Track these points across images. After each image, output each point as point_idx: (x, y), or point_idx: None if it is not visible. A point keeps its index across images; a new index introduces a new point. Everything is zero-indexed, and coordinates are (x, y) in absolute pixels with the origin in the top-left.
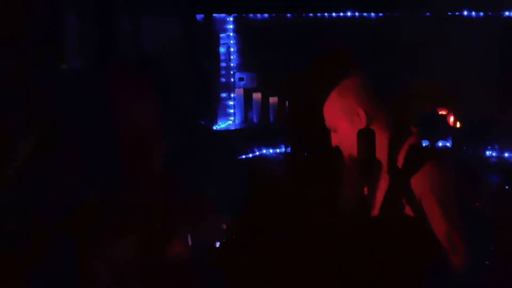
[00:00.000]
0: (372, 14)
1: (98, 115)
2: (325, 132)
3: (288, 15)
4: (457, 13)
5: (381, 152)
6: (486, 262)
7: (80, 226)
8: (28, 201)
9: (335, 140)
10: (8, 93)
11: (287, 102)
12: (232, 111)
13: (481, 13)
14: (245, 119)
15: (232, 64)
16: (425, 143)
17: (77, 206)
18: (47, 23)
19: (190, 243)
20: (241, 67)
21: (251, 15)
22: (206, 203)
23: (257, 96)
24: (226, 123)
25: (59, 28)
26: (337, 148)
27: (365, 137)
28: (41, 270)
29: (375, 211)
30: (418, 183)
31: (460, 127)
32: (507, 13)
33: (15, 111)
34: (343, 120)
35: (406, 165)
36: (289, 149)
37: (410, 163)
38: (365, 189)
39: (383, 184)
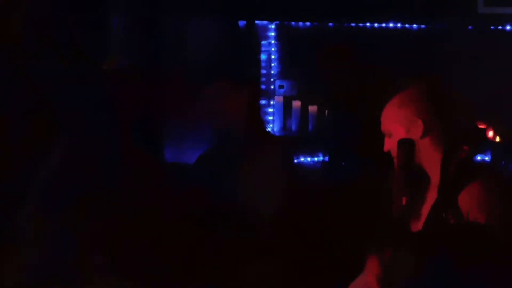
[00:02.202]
0: (414, 25)
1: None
2: (373, 140)
3: (330, 24)
4: (500, 27)
5: (433, 166)
6: None
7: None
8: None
9: (388, 145)
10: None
11: (327, 111)
12: (271, 118)
13: None
14: (284, 127)
15: (272, 72)
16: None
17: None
18: (89, 23)
19: None
20: (281, 74)
21: (293, 23)
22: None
23: (296, 104)
24: None
25: (103, 28)
26: (388, 153)
27: (405, 146)
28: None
29: (419, 225)
30: (466, 200)
31: (499, 141)
32: None
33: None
34: (400, 127)
35: (455, 181)
36: (327, 158)
37: (459, 179)
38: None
39: (430, 198)
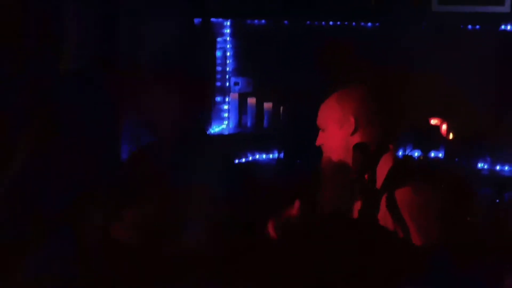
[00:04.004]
0: (369, 23)
1: (97, 114)
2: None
3: (285, 21)
4: (453, 25)
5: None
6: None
7: (80, 217)
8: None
9: (320, 139)
10: (9, 90)
11: (281, 108)
12: (226, 115)
13: (477, 26)
14: (239, 123)
15: (227, 69)
16: (417, 153)
17: (76, 197)
18: (48, 22)
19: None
20: (236, 71)
21: (248, 20)
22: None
23: (251, 101)
24: (220, 127)
25: (60, 27)
26: (320, 147)
27: (361, 151)
28: (40, 260)
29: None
30: (400, 201)
31: (453, 138)
32: (503, 27)
33: (15, 107)
34: (334, 122)
35: (384, 185)
36: (282, 155)
37: (388, 182)
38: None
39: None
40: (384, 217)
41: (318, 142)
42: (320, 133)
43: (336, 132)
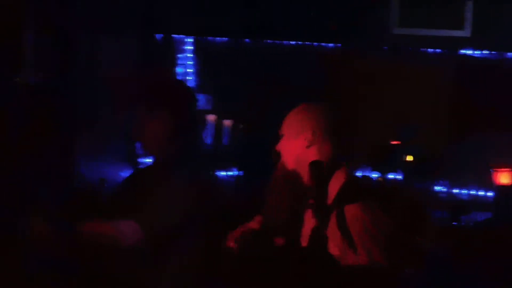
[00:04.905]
0: (330, 44)
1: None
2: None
3: (247, 40)
4: (413, 48)
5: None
6: None
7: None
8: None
9: (279, 145)
10: None
11: (241, 125)
12: None
13: (437, 49)
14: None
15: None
16: (375, 175)
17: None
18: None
19: None
20: (197, 88)
21: (210, 37)
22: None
23: (211, 118)
24: None
25: (17, 43)
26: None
27: (316, 168)
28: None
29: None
30: (349, 221)
31: (412, 160)
32: (462, 51)
33: None
34: (293, 132)
35: (335, 201)
36: (241, 172)
37: (338, 199)
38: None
39: (310, 215)
40: (333, 233)
41: (277, 147)
42: (281, 140)
43: (292, 142)
